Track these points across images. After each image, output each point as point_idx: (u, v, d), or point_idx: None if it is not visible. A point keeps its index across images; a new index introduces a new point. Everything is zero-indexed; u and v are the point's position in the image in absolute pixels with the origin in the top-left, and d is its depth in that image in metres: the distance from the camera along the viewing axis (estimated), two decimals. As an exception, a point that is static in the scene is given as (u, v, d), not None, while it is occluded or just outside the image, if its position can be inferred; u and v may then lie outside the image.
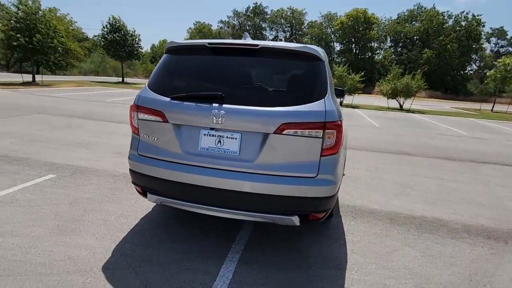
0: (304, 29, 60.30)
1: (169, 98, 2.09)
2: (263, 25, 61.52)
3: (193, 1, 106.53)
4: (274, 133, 1.93)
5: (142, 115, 2.19)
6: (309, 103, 1.97)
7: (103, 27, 26.79)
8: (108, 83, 26.16)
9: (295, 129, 1.93)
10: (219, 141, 2.02)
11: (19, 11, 17.61)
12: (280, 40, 63.71)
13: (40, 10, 18.95)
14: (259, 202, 2.00)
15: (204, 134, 2.04)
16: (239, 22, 62.88)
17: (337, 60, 53.08)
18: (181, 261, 2.16)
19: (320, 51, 2.17)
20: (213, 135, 2.03)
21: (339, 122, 2.00)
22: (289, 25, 60.80)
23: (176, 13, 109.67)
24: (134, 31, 28.01)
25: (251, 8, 59.94)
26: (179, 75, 2.24)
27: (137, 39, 28.24)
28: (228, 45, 2.16)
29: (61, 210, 2.82)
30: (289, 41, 61.98)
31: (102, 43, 27.95)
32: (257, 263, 2.20)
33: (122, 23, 27.03)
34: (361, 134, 8.01)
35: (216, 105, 1.98)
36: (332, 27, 54.64)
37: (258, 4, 59.11)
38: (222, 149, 2.01)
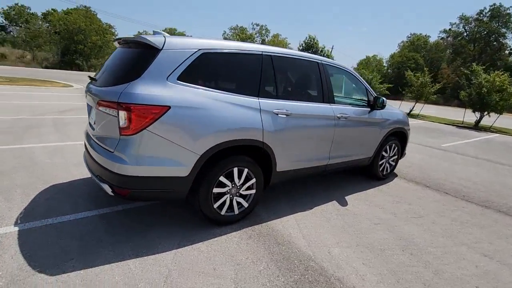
0: None
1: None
2: (503, 31, 46.52)
3: (407, 13, 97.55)
4: (96, 108, 2.33)
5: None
6: (121, 84, 2.17)
7: (299, 45, 31.13)
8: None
9: (103, 106, 2.23)
10: (94, 114, 2.65)
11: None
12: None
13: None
14: (96, 168, 2.43)
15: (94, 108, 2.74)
16: (465, 29, 51.22)
17: None
18: (66, 202, 2.95)
19: (156, 40, 2.24)
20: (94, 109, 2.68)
21: (131, 105, 2.05)
22: (552, 26, 42.38)
23: (387, 26, 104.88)
24: (324, 47, 30.35)
25: (486, 10, 47.11)
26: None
27: (325, 55, 30.36)
28: (119, 39, 2.68)
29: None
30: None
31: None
32: (108, 223, 2.62)
33: (315, 41, 30.13)
34: (492, 176, 5.02)
35: (90, 85, 2.62)
36: None
37: (498, 5, 45.37)
38: (94, 121, 2.63)
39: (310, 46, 30.80)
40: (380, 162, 4.28)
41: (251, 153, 2.72)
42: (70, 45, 42.33)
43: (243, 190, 2.74)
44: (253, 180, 2.77)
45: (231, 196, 2.68)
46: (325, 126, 3.21)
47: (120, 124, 2.11)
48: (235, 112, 2.49)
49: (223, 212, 2.65)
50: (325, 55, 30.95)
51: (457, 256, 2.56)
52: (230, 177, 2.61)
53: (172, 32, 63.89)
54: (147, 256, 2.19)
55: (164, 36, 2.32)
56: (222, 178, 2.55)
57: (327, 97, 3.28)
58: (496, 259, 2.58)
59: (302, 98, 3.13)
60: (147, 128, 2.12)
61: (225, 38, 58.69)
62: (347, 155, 3.67)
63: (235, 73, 2.67)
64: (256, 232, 2.68)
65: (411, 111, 17.07)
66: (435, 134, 10.22)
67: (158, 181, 2.24)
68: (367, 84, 3.90)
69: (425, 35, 58.13)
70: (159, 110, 2.14)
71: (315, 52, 30.21)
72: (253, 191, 2.81)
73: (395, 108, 4.58)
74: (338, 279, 2.14)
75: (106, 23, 51.09)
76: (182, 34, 64.97)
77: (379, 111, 3.93)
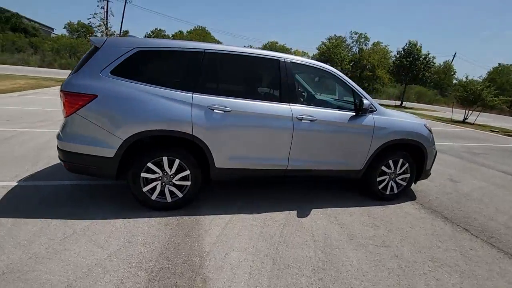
0: None
1: None
2: None
3: None
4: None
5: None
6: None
7: (397, 53, 27.76)
8: (384, 106, 27.09)
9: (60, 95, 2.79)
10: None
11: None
12: None
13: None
14: None
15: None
16: None
17: None
18: (63, 172, 3.69)
19: (97, 40, 2.67)
20: None
21: (65, 92, 2.53)
22: None
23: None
24: (428, 54, 26.02)
25: None
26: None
27: (430, 63, 26.06)
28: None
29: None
30: None
31: (391, 68, 29.05)
32: (73, 192, 3.22)
33: (417, 48, 26.26)
34: None
35: None
36: None
37: None
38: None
39: (409, 53, 27.09)
40: (380, 179, 3.60)
41: (184, 145, 2.84)
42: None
43: (176, 180, 2.88)
44: (187, 172, 2.87)
45: (163, 183, 2.86)
46: (278, 126, 3.00)
47: (62, 108, 2.63)
48: (163, 104, 2.68)
49: (153, 197, 2.86)
50: (429, 62, 26.64)
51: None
52: (160, 165, 2.80)
53: (273, 45, 67.59)
54: (70, 220, 2.60)
55: (107, 37, 2.74)
56: (150, 165, 2.77)
57: (286, 97, 3.07)
58: None
59: (251, 96, 3.02)
60: (77, 112, 2.56)
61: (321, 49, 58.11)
62: (320, 162, 3.28)
63: (171, 69, 2.86)
64: (179, 222, 2.77)
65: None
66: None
67: (87, 158, 2.64)
68: (357, 86, 3.39)
69: None
70: (88, 98, 2.54)
71: (415, 60, 26.38)
72: (188, 183, 2.91)
73: (408, 116, 3.79)
74: (204, 279, 2.03)
75: (217, 40, 58.59)
76: (282, 47, 67.96)
77: (371, 116, 3.36)
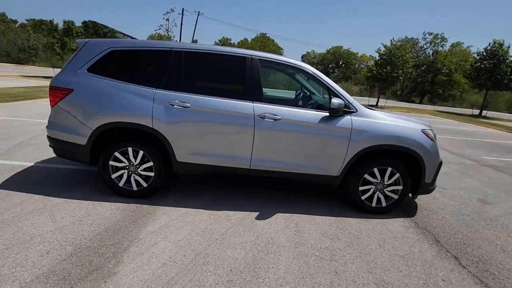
0: None
1: None
2: None
3: None
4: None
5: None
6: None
7: (477, 54, 23.75)
8: (454, 115, 23.61)
9: (55, 89, 3.25)
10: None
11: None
12: None
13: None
14: None
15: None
16: None
17: None
18: None
19: (80, 41, 3.04)
20: None
21: (50, 87, 2.95)
22: None
23: None
24: (518, 54, 21.59)
25: None
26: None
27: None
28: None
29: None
30: None
31: (468, 71, 25.03)
32: (69, 175, 3.70)
33: (503, 48, 22.02)
34: None
35: None
36: None
37: None
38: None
39: (493, 54, 22.90)
40: (363, 188, 3.21)
41: (147, 138, 3.02)
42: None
43: (141, 170, 3.08)
44: (151, 163, 3.05)
45: (129, 172, 3.09)
46: (239, 124, 2.95)
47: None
48: (128, 99, 2.91)
49: (121, 184, 3.11)
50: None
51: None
52: (126, 155, 3.03)
53: (338, 49, 65.43)
54: (48, 197, 3.00)
55: (89, 39, 3.10)
56: (117, 154, 3.02)
57: (250, 94, 3.00)
58: None
59: (214, 92, 3.00)
60: (58, 104, 2.96)
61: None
62: (287, 164, 3.10)
63: (140, 66, 3.07)
64: (136, 209, 2.94)
65: None
66: None
67: (65, 144, 3.03)
68: (334, 85, 3.11)
69: None
70: (65, 92, 2.93)
71: (499, 62, 22.16)
72: (152, 174, 3.08)
73: (404, 121, 3.27)
74: (118, 261, 2.14)
75: (277, 46, 59.54)
76: (347, 51, 65.19)
77: (349, 118, 3.04)
